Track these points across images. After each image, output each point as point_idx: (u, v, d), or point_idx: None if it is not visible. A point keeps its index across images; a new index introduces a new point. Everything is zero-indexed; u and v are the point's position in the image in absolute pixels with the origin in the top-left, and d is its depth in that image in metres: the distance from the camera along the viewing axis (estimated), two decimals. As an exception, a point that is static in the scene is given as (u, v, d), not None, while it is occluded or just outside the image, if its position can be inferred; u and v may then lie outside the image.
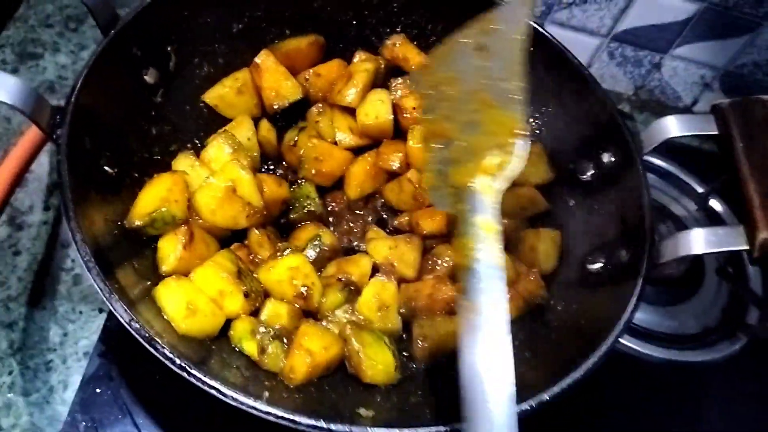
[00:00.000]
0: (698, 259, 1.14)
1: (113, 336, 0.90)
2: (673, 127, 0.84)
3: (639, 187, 0.83)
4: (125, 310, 0.62)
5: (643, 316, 1.06)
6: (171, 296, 0.73)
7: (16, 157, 0.90)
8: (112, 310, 0.63)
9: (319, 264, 0.88)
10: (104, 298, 0.63)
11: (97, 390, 0.85)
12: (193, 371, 0.61)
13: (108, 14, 0.79)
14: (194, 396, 0.63)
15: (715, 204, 1.23)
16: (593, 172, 0.92)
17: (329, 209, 0.97)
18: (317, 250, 0.88)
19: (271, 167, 1.00)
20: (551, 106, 0.98)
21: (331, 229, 0.95)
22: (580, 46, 1.34)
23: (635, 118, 1.45)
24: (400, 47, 1.00)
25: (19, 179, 0.93)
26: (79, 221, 0.65)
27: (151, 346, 0.61)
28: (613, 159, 0.89)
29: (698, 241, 0.74)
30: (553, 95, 0.97)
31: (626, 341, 1.01)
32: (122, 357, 0.88)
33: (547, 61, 0.96)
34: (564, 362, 0.69)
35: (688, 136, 0.84)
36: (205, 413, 0.84)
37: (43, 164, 1.08)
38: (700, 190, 1.23)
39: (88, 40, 1.25)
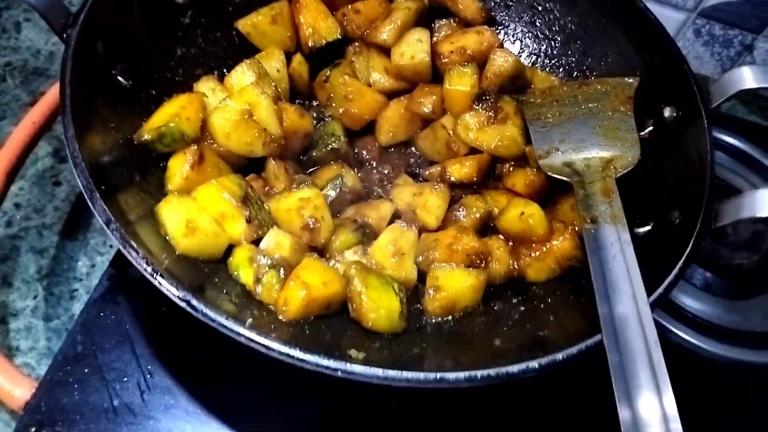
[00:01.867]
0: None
1: (124, 261, 0.87)
2: (747, 77, 0.74)
3: (702, 143, 0.73)
4: (104, 210, 0.58)
5: (707, 308, 0.94)
6: (172, 213, 0.69)
7: (51, 96, 0.91)
8: (105, 229, 0.59)
9: (338, 206, 0.83)
10: (86, 197, 0.59)
11: (101, 314, 0.83)
12: (179, 291, 0.56)
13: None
14: (195, 331, 0.60)
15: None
16: (652, 128, 0.82)
17: (358, 156, 0.91)
18: (337, 190, 0.82)
19: (301, 104, 0.95)
20: (611, 57, 0.89)
21: (358, 174, 0.89)
22: (664, 21, 1.21)
23: (721, 106, 1.31)
24: None
25: (53, 116, 0.94)
26: (76, 119, 0.62)
27: (126, 249, 0.57)
28: (675, 114, 0.79)
29: (765, 201, 0.63)
30: (613, 43, 0.89)
31: (684, 334, 0.89)
32: (129, 284, 0.85)
33: (608, 5, 0.87)
34: (591, 329, 0.60)
35: (763, 88, 0.73)
36: (206, 350, 0.80)
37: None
38: (771, 164, 1.09)
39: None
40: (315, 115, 0.92)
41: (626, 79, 0.85)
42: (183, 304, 0.56)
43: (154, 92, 0.80)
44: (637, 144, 0.77)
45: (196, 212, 0.70)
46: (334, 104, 0.89)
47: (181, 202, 0.70)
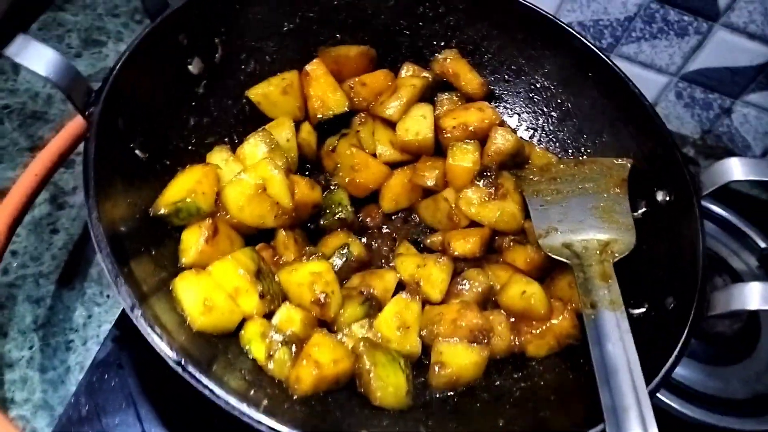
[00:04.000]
0: (754, 317, 1.05)
1: (129, 323, 0.88)
2: (736, 169, 0.78)
3: (694, 231, 0.77)
4: (129, 295, 0.59)
5: (687, 373, 0.98)
6: (189, 290, 0.70)
7: (53, 148, 0.91)
8: (116, 294, 0.61)
9: (344, 274, 0.85)
10: (110, 280, 0.61)
11: (106, 376, 0.84)
12: (189, 368, 0.58)
13: (158, 2, 0.78)
14: (200, 396, 0.60)
15: (778, 262, 1.13)
16: (645, 210, 0.86)
17: (363, 223, 0.94)
18: (344, 259, 0.85)
19: (308, 172, 0.98)
20: (605, 136, 0.94)
21: (362, 241, 0.91)
22: (647, 83, 1.29)
23: (699, 163, 1.37)
24: (451, 62, 0.97)
25: (55, 168, 0.94)
26: (99, 200, 0.64)
27: (150, 335, 0.58)
28: (668, 198, 0.83)
29: (755, 295, 0.68)
30: (608, 123, 0.93)
31: (665, 398, 0.93)
32: (134, 346, 0.86)
33: (604, 86, 0.92)
34: (592, 414, 0.63)
35: (751, 181, 0.77)
36: (209, 415, 0.80)
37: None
38: (762, 244, 1.14)
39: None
40: (322, 182, 0.95)
41: (620, 160, 0.89)
42: (206, 392, 0.58)
43: (168, 162, 0.81)
44: (633, 228, 0.81)
45: (212, 289, 0.71)
46: (340, 173, 0.92)
47: (198, 279, 0.71)
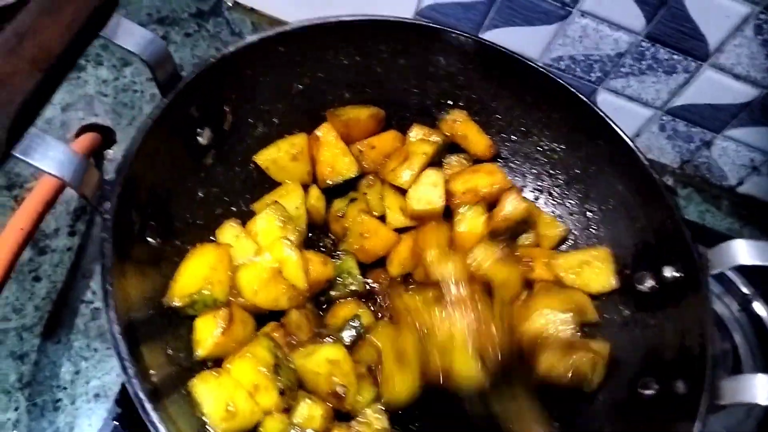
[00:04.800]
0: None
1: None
2: (742, 253, 0.79)
3: (703, 313, 0.78)
4: (143, 391, 0.58)
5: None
6: (209, 393, 0.69)
7: (37, 197, 0.87)
8: (135, 402, 0.59)
9: (354, 345, 0.84)
10: (125, 379, 0.58)
11: (108, 462, 0.81)
12: None
13: (168, 72, 0.74)
14: None
15: (759, 308, 1.18)
16: (653, 284, 0.87)
17: (369, 287, 0.93)
18: (354, 332, 0.84)
19: (312, 234, 0.96)
20: (612, 203, 0.94)
21: (370, 308, 0.90)
22: (631, 115, 1.31)
23: (678, 192, 1.41)
24: (460, 124, 0.96)
25: (41, 218, 0.90)
26: (118, 305, 0.61)
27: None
28: (675, 275, 0.84)
29: (763, 389, 0.70)
30: (616, 192, 0.93)
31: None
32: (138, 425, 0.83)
33: (614, 156, 0.92)
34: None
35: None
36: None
37: (70, 187, 1.05)
38: (745, 290, 1.18)
39: (132, 56, 1.22)
40: (329, 245, 0.93)
41: None
42: None
43: (177, 242, 0.78)
44: None
45: (232, 391, 0.70)
46: (349, 239, 0.90)
47: (218, 382, 0.70)
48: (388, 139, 0.95)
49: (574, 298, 0.89)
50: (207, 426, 0.67)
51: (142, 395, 0.58)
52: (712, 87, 1.21)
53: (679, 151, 1.39)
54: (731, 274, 1.20)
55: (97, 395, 0.88)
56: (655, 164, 1.39)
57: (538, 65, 0.93)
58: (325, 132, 0.90)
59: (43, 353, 0.91)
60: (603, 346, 0.87)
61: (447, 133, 0.97)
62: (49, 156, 0.61)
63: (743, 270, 1.20)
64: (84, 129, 1.11)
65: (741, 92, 1.20)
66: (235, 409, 0.68)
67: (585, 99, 0.92)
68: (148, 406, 0.58)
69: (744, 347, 1.14)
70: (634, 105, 1.30)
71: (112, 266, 0.63)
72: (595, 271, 0.91)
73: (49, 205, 0.92)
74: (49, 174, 0.62)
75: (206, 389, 0.69)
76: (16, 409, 0.87)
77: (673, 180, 1.43)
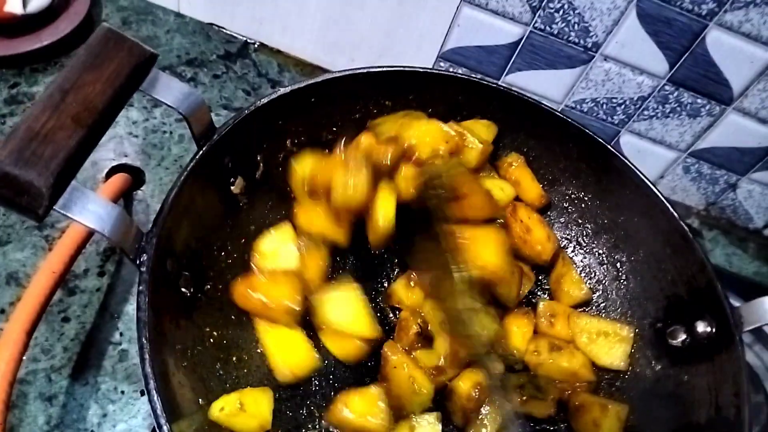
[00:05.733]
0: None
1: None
2: (780, 310, 0.78)
3: (737, 370, 0.77)
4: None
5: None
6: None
7: (69, 241, 0.88)
8: None
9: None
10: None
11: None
12: None
13: (204, 123, 0.75)
14: None
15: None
16: (685, 338, 0.86)
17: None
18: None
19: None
20: (642, 254, 0.94)
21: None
22: (655, 157, 1.31)
23: (703, 235, 1.41)
24: (516, 169, 1.00)
25: (72, 261, 0.91)
26: (155, 365, 0.61)
27: None
28: (708, 330, 0.83)
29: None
30: (645, 243, 0.93)
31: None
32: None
33: (643, 207, 0.91)
34: None
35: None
36: None
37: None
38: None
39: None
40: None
41: None
42: None
43: (208, 287, 0.79)
44: None
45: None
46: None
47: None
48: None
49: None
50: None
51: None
52: (737, 130, 1.21)
53: (704, 194, 1.38)
54: (762, 323, 1.18)
55: (123, 439, 0.88)
56: (680, 206, 1.38)
57: (565, 116, 0.93)
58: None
59: (71, 395, 0.92)
60: (621, 408, 0.86)
61: (502, 175, 0.99)
62: (89, 210, 0.63)
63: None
64: (114, 170, 1.13)
65: (766, 136, 1.20)
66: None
67: (611, 148, 0.92)
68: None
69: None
70: (658, 147, 1.30)
71: (148, 320, 0.63)
72: (610, 344, 0.91)
73: (81, 247, 0.93)
74: (90, 228, 0.63)
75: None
76: (44, 451, 0.87)
77: (699, 222, 1.42)
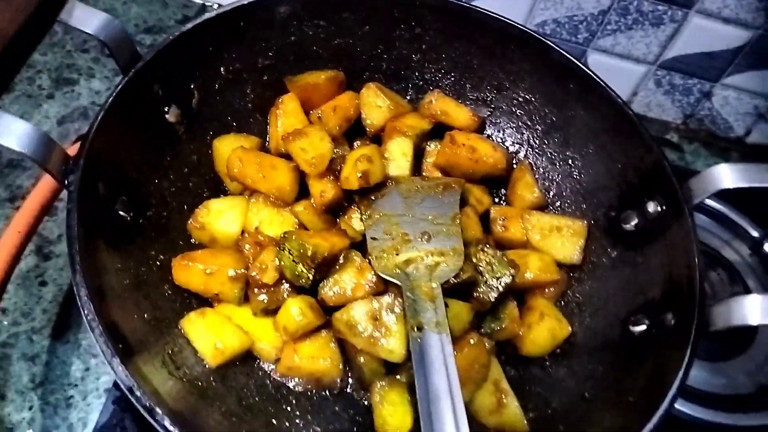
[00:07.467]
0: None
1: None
2: (726, 177, 0.77)
3: (688, 242, 0.76)
4: (127, 375, 0.58)
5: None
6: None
7: (33, 203, 0.89)
8: (115, 377, 0.60)
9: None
10: (109, 365, 0.59)
11: (109, 440, 0.82)
12: None
13: (128, 52, 0.76)
14: None
15: (770, 249, 1.14)
16: (637, 221, 0.85)
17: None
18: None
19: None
20: (591, 147, 0.93)
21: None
22: (625, 74, 1.29)
23: (684, 148, 1.38)
24: (437, 103, 0.99)
25: (38, 221, 0.92)
26: (87, 277, 0.62)
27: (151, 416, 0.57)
28: (659, 209, 0.82)
29: (755, 309, 0.67)
30: (593, 135, 0.92)
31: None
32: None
33: (587, 98, 0.90)
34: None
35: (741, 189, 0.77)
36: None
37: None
38: (754, 233, 1.15)
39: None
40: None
41: (454, 183, 0.90)
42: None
43: (150, 214, 0.80)
44: (462, 253, 0.82)
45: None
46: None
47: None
48: (344, 99, 0.95)
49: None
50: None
51: (106, 349, 0.59)
52: (702, 34, 1.19)
53: (679, 106, 1.36)
54: (739, 218, 1.16)
55: (107, 390, 0.90)
56: (657, 122, 1.36)
57: (501, 17, 0.92)
58: (286, 100, 0.91)
59: (53, 353, 0.94)
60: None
61: (428, 114, 0.98)
62: (12, 134, 0.63)
63: (752, 213, 1.17)
64: (80, 138, 1.15)
65: (733, 36, 1.17)
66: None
67: (553, 45, 0.91)
68: (115, 362, 0.59)
69: (758, 291, 1.10)
70: (627, 63, 1.28)
71: (78, 235, 0.64)
72: (562, 240, 0.90)
73: (45, 208, 0.94)
74: (13, 150, 0.64)
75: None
76: (31, 408, 0.89)
77: (678, 136, 1.40)
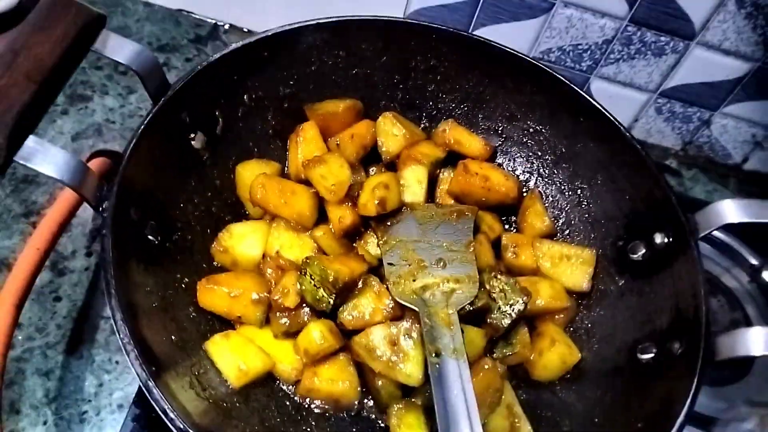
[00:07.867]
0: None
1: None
2: (731, 212, 0.80)
3: (694, 273, 0.79)
4: (161, 398, 0.61)
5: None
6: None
7: (51, 220, 0.91)
8: (149, 398, 0.62)
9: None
10: (143, 387, 0.62)
11: (130, 456, 0.84)
12: None
13: (158, 81, 0.79)
14: None
15: (768, 277, 1.17)
16: (644, 251, 0.89)
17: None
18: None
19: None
20: (600, 178, 0.96)
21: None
22: (627, 101, 1.33)
23: (683, 174, 1.42)
24: (450, 132, 1.01)
25: (55, 239, 0.94)
26: (121, 301, 0.64)
27: None
28: (666, 240, 0.85)
29: (758, 341, 0.71)
30: (602, 167, 0.95)
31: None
32: (156, 424, 0.86)
33: (597, 131, 0.94)
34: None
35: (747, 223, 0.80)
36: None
37: (87, 209, 1.09)
38: (753, 261, 1.18)
39: (136, 84, 1.27)
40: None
41: (467, 213, 0.92)
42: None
43: (176, 238, 0.82)
44: (476, 280, 0.85)
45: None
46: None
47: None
48: (362, 128, 0.98)
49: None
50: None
51: (141, 371, 0.61)
52: (703, 65, 1.22)
53: (679, 133, 1.39)
54: (738, 246, 1.20)
55: (120, 405, 0.92)
56: (657, 148, 1.39)
57: (514, 51, 0.96)
58: (307, 127, 0.94)
59: (67, 369, 0.95)
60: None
61: (440, 143, 1.01)
62: (49, 161, 0.66)
63: (751, 241, 1.20)
64: (94, 155, 1.17)
65: (733, 67, 1.21)
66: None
67: (563, 79, 0.94)
68: (150, 384, 0.61)
69: (757, 318, 1.14)
70: (629, 90, 1.31)
71: (112, 260, 0.67)
72: (572, 267, 0.93)
73: (63, 225, 0.96)
74: (50, 177, 0.66)
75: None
76: (45, 423, 0.90)
77: (677, 162, 1.43)
